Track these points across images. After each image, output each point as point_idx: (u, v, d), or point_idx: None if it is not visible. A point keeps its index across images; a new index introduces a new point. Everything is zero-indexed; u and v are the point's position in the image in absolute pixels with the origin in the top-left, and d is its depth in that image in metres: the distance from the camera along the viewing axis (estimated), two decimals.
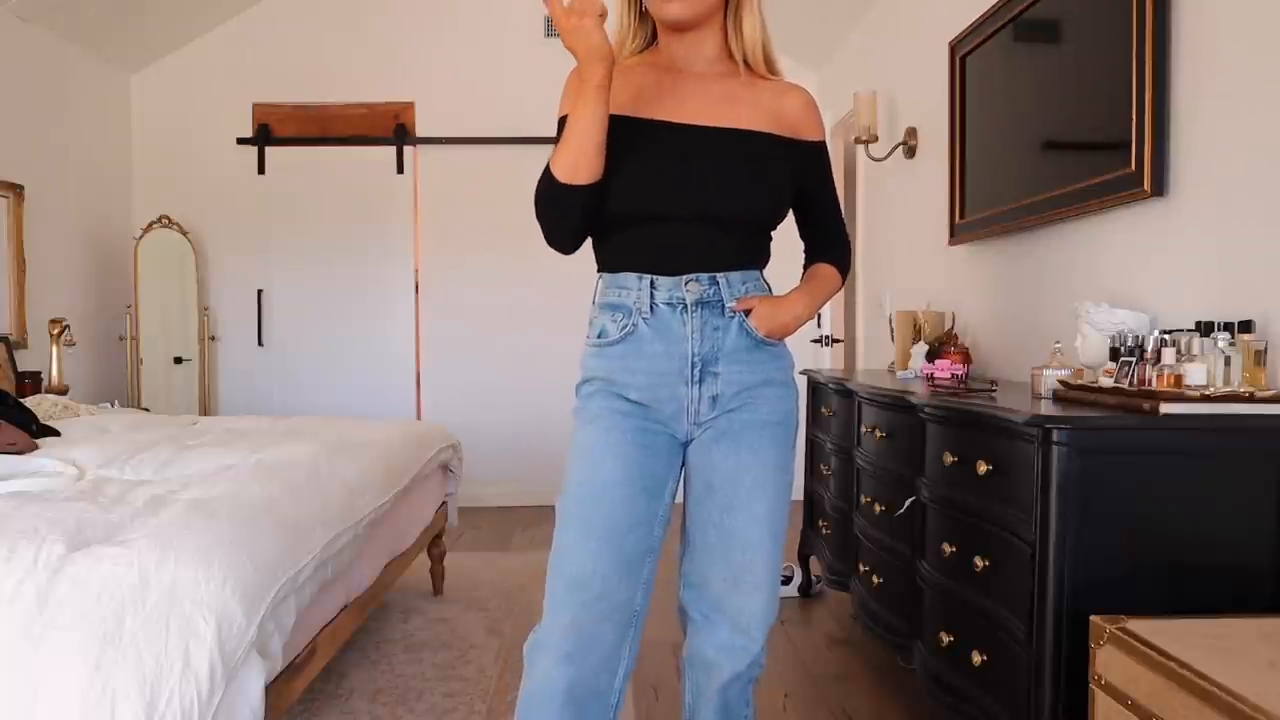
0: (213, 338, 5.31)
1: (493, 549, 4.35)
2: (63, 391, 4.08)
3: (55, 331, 4.15)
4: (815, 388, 3.38)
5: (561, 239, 1.54)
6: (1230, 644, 1.32)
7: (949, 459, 1.99)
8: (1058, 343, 2.20)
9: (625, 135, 1.49)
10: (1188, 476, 1.59)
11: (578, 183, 1.44)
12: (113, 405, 4.22)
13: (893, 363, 3.37)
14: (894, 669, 2.75)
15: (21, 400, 3.26)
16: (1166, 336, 1.77)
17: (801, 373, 3.53)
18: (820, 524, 3.29)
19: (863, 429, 2.67)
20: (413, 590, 3.56)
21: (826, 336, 4.80)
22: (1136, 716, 1.34)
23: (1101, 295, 2.31)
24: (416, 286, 5.40)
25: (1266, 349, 1.69)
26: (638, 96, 1.53)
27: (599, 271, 1.60)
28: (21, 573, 1.55)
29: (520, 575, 3.80)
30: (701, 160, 1.51)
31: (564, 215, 1.49)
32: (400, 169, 5.33)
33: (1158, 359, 1.74)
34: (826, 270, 1.68)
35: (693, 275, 1.52)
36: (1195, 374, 1.68)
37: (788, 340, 1.66)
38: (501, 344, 5.37)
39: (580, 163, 1.43)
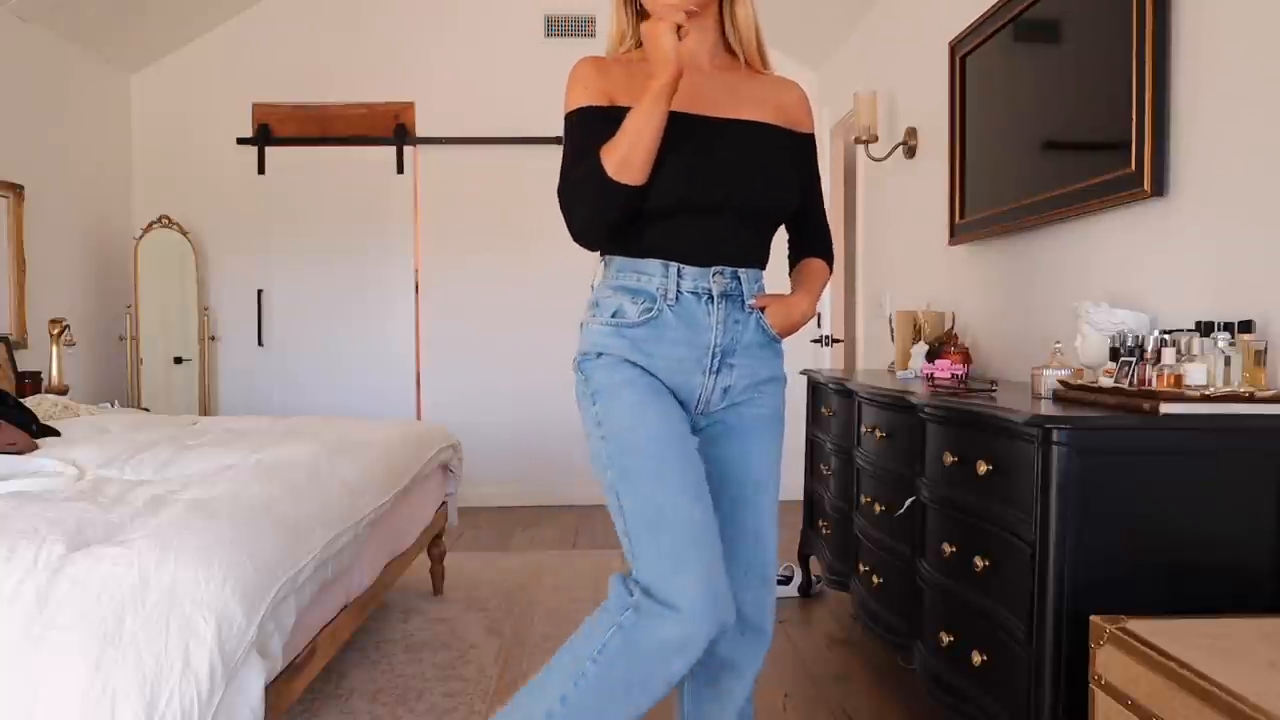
0: (213, 338, 5.31)
1: (493, 549, 4.35)
2: (63, 391, 4.08)
3: (55, 331, 4.15)
4: (815, 388, 3.38)
5: (595, 235, 1.52)
6: (1230, 644, 1.32)
7: (949, 459, 1.99)
8: (1058, 343, 2.20)
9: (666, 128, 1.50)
10: (1188, 476, 1.59)
11: (629, 181, 1.44)
12: (113, 405, 4.22)
13: (893, 363, 3.37)
14: (894, 669, 2.75)
15: (21, 400, 3.26)
16: (1166, 336, 1.77)
17: (801, 373, 3.54)
18: (820, 524, 3.29)
19: (863, 429, 2.67)
20: (413, 590, 3.56)
21: (826, 336, 4.80)
22: (1136, 716, 1.34)
23: (1101, 295, 2.31)
24: (416, 286, 5.40)
25: (1266, 349, 1.69)
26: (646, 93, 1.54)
27: (609, 255, 1.61)
28: (21, 573, 1.55)
29: (520, 575, 3.80)
30: (734, 153, 1.54)
31: (607, 211, 1.47)
32: (400, 169, 5.33)
33: (1158, 359, 1.74)
34: (818, 266, 1.73)
35: (719, 268, 1.55)
36: (1195, 374, 1.68)
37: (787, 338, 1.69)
38: (501, 344, 5.37)
39: (635, 160, 1.43)
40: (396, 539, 2.87)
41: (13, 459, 2.38)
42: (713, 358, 1.55)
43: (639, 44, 1.64)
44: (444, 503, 3.54)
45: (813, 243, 1.75)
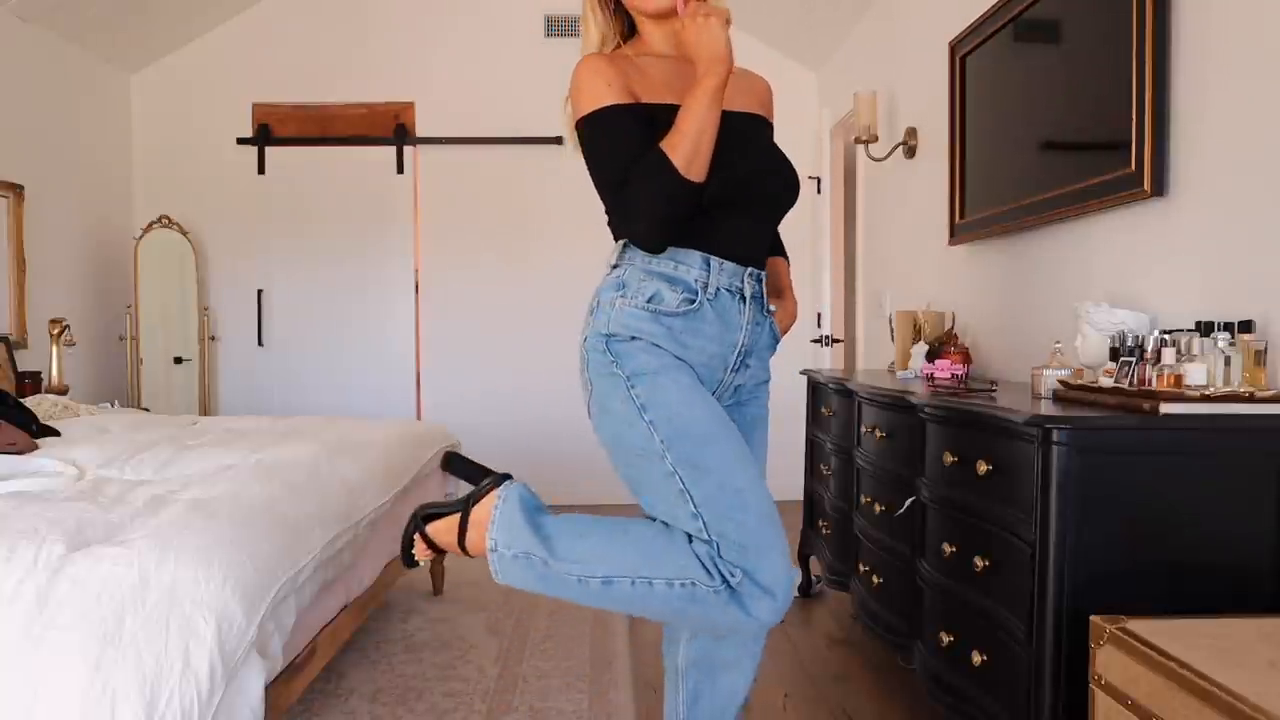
0: (213, 338, 5.31)
1: None
2: (63, 391, 4.08)
3: (55, 331, 4.15)
4: (815, 388, 3.38)
5: (669, 234, 1.49)
6: (1230, 644, 1.32)
7: (949, 459, 1.99)
8: (1058, 343, 2.20)
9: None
10: (1188, 476, 1.59)
11: (698, 179, 1.43)
12: (113, 405, 4.22)
13: (893, 363, 3.37)
14: (894, 669, 2.75)
15: (21, 400, 3.26)
16: (1166, 336, 1.77)
17: (801, 373, 3.54)
18: (820, 524, 3.29)
19: (863, 429, 2.67)
20: (413, 590, 3.57)
21: (826, 336, 4.80)
22: (1136, 716, 1.34)
23: (1101, 295, 2.31)
24: (416, 286, 5.39)
25: (1266, 349, 1.69)
26: (666, 83, 1.54)
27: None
28: (21, 573, 1.55)
29: None
30: (751, 145, 1.57)
31: (679, 209, 1.45)
32: (400, 169, 5.33)
33: (1158, 359, 1.74)
34: (784, 264, 1.77)
35: (751, 269, 1.57)
36: (1195, 374, 1.68)
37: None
38: (501, 344, 5.37)
39: (704, 157, 1.43)
40: (396, 539, 2.87)
41: (13, 459, 2.38)
42: (738, 356, 1.57)
43: (619, 44, 1.65)
44: None
45: (774, 241, 1.75)
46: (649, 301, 1.51)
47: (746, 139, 1.56)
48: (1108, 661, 1.42)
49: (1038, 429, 1.60)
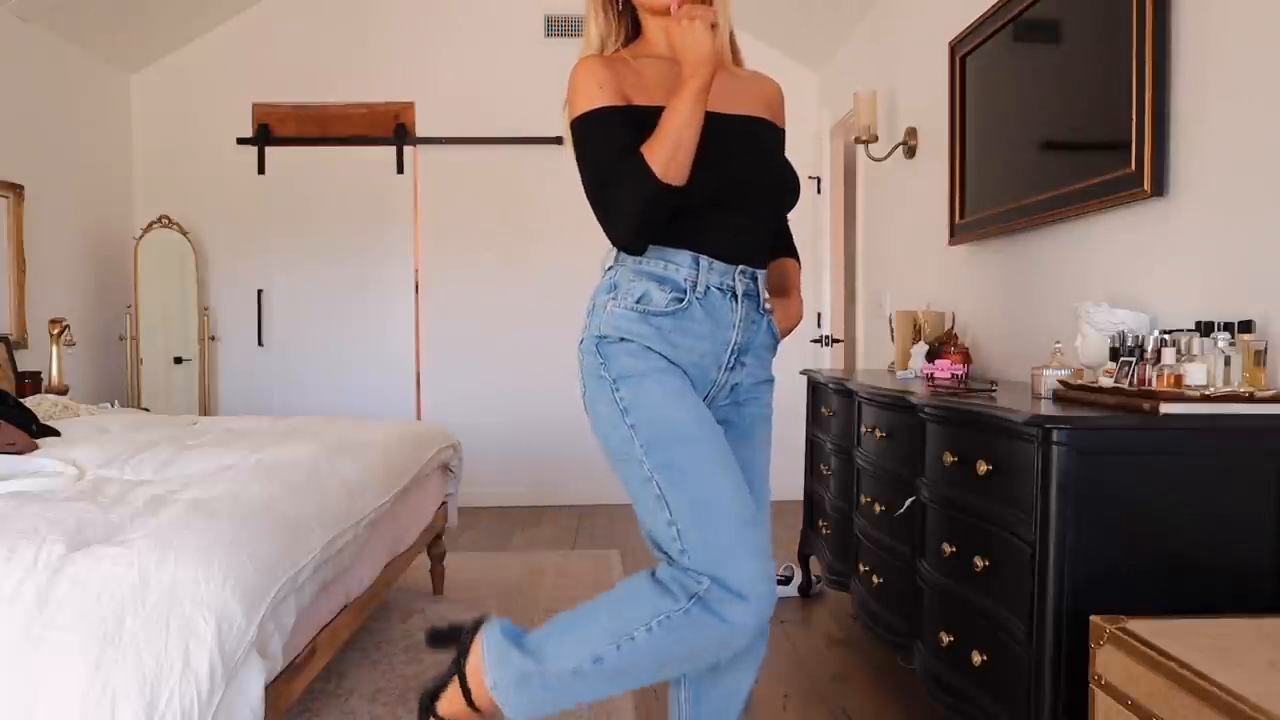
0: (213, 338, 5.31)
1: (493, 549, 4.35)
2: (63, 391, 4.08)
3: (55, 331, 4.15)
4: (815, 388, 3.38)
5: (646, 237, 1.50)
6: (1230, 644, 1.32)
7: (949, 459, 1.99)
8: (1058, 343, 2.20)
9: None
10: (1188, 476, 1.59)
11: (676, 182, 1.44)
12: (113, 405, 4.22)
13: (893, 363, 3.37)
14: (894, 669, 2.75)
15: (21, 400, 3.26)
16: (1166, 336, 1.77)
17: (801, 373, 3.54)
18: (820, 524, 3.29)
19: (863, 429, 2.67)
20: (413, 590, 3.56)
21: (826, 336, 4.80)
22: (1136, 716, 1.34)
23: (1101, 295, 2.31)
24: (416, 286, 5.40)
25: (1266, 349, 1.69)
26: (660, 85, 1.54)
27: None
28: (21, 573, 1.55)
29: (520, 575, 3.80)
30: (750, 148, 1.57)
31: (657, 213, 1.46)
32: (400, 169, 5.33)
33: (1158, 359, 1.74)
34: (794, 265, 1.77)
35: (743, 267, 1.57)
36: (1195, 374, 1.68)
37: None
38: (501, 344, 5.38)
39: (683, 160, 1.43)
40: (396, 539, 2.87)
41: (13, 459, 2.38)
42: (731, 355, 1.57)
43: (624, 44, 1.65)
44: (444, 503, 3.54)
45: (783, 242, 1.76)
46: (638, 302, 1.52)
47: (741, 140, 1.56)
48: (1108, 661, 1.42)
49: (1038, 429, 1.60)
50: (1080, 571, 1.57)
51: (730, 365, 1.58)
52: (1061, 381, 1.98)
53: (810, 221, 4.82)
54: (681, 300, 1.52)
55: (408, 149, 5.33)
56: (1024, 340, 2.76)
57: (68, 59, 4.70)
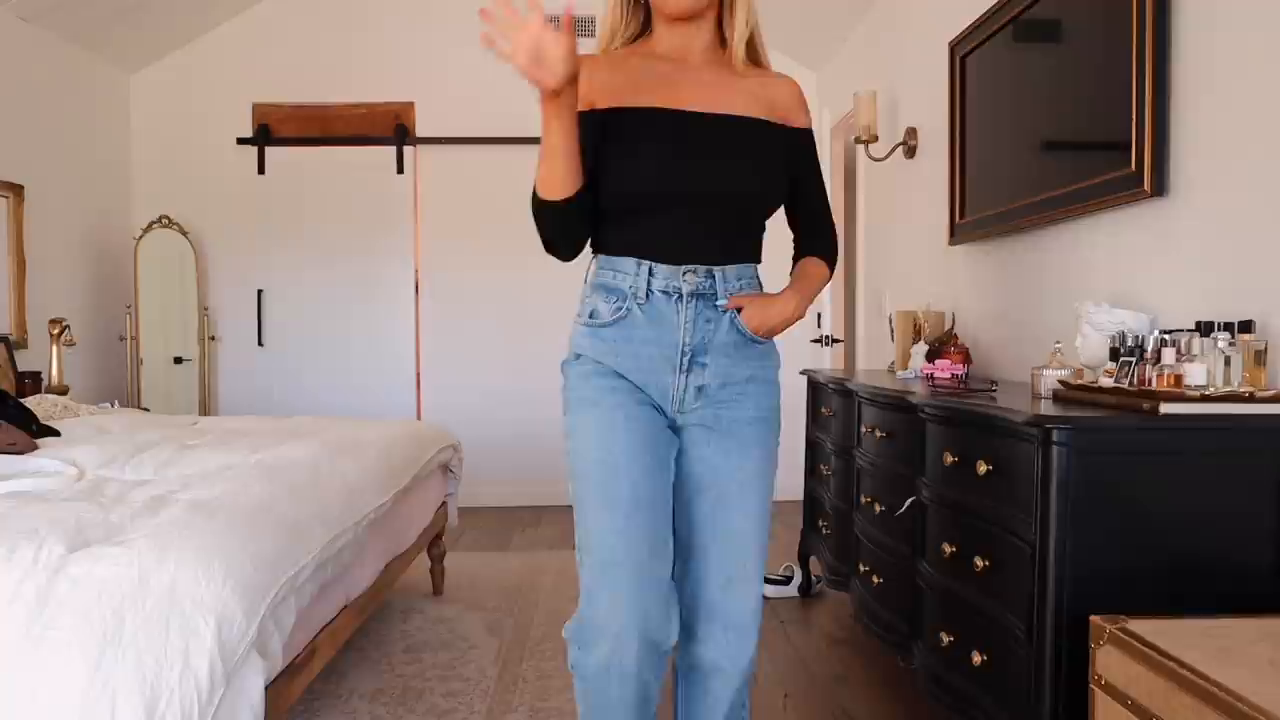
0: (213, 338, 5.31)
1: (493, 549, 4.35)
2: (63, 391, 4.08)
3: (55, 331, 4.15)
4: (815, 388, 3.38)
5: (557, 250, 1.55)
6: (1230, 644, 1.32)
7: (949, 459, 1.99)
8: (1058, 343, 2.20)
9: (628, 123, 1.51)
10: (1188, 476, 1.59)
11: (553, 197, 1.45)
12: (113, 405, 4.22)
13: (893, 363, 3.37)
14: (894, 669, 2.75)
15: (21, 400, 3.26)
16: (1166, 336, 1.77)
17: (801, 373, 3.54)
18: (820, 524, 3.29)
19: (863, 429, 2.67)
20: (413, 590, 3.56)
21: (826, 336, 4.80)
22: (1136, 716, 1.34)
23: (1102, 295, 2.31)
24: (416, 287, 5.40)
25: (1266, 349, 1.69)
26: (634, 85, 1.55)
27: (594, 252, 1.62)
28: (21, 573, 1.55)
29: (520, 575, 3.80)
30: (702, 146, 1.53)
31: (548, 227, 1.51)
32: (400, 169, 5.33)
33: (1158, 359, 1.74)
34: (815, 266, 1.69)
35: (691, 266, 1.54)
36: (1195, 374, 1.68)
37: (779, 338, 1.67)
38: (501, 344, 5.37)
39: (548, 177, 1.44)
40: (396, 539, 2.87)
41: (13, 459, 2.38)
42: (682, 357, 1.54)
43: (634, 38, 1.64)
44: (444, 503, 3.54)
45: (813, 241, 1.72)
46: (590, 317, 1.57)
47: (698, 140, 1.52)
48: (1108, 661, 1.42)
49: (1038, 429, 1.60)
50: (1080, 571, 1.57)
51: (685, 368, 1.55)
52: (1061, 381, 1.98)
53: None
54: (622, 309, 1.54)
55: (408, 149, 5.33)
56: (1024, 340, 2.76)
57: (68, 59, 4.70)
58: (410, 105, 5.34)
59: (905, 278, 3.91)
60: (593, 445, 1.52)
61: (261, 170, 5.30)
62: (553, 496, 5.33)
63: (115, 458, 2.49)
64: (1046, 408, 1.78)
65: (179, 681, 1.48)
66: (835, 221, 1.77)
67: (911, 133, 3.74)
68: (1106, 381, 1.83)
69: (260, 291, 5.34)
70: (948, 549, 1.98)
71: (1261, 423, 1.59)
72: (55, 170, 4.61)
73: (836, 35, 4.80)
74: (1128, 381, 1.78)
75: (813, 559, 3.50)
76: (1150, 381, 1.72)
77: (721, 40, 1.62)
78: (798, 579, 3.54)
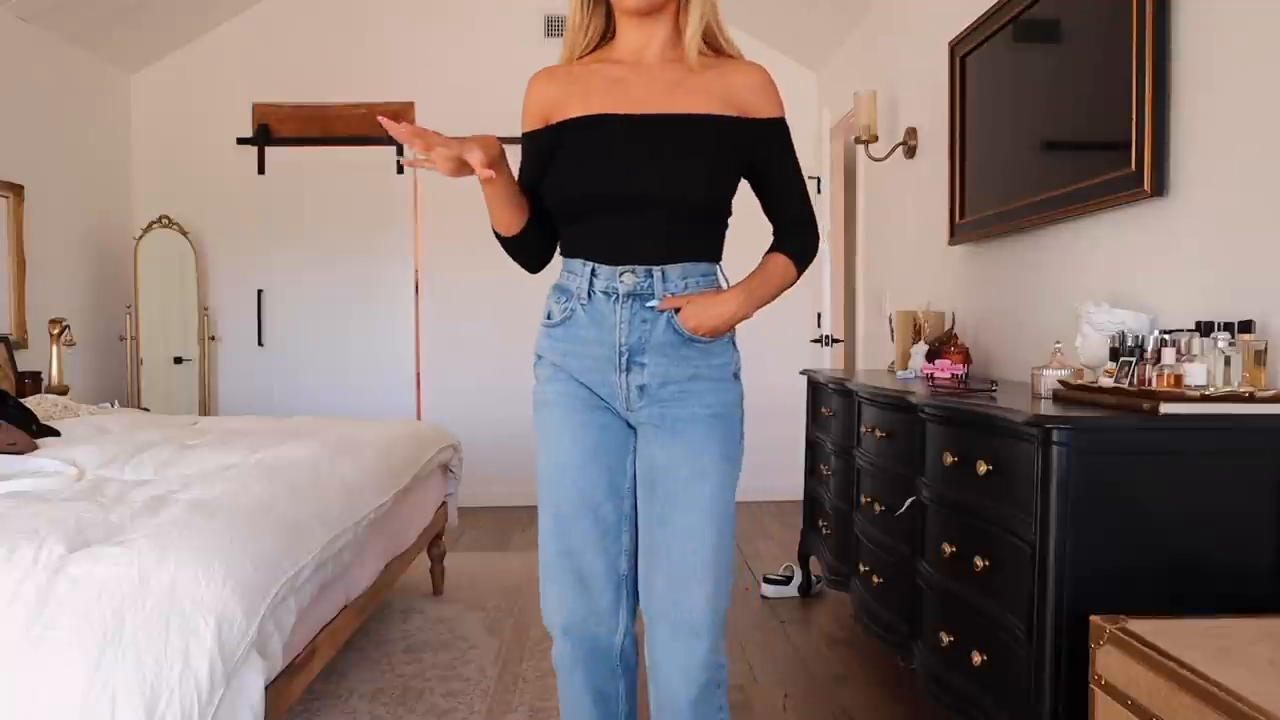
0: (213, 338, 5.31)
1: (493, 549, 4.35)
2: (63, 391, 4.08)
3: (55, 331, 4.15)
4: (815, 388, 3.38)
5: (524, 266, 1.76)
6: (1230, 644, 1.32)
7: (949, 459, 1.99)
8: (1058, 343, 2.20)
9: (571, 131, 1.55)
10: (1188, 476, 1.59)
11: (503, 232, 1.66)
12: (113, 405, 4.22)
13: (893, 363, 3.37)
14: (894, 669, 2.75)
15: (21, 400, 3.26)
16: (1166, 336, 1.77)
17: (801, 373, 3.54)
18: (820, 524, 3.29)
19: (863, 429, 2.67)
20: (413, 590, 3.56)
21: (826, 336, 4.80)
22: (1136, 716, 1.34)
23: (1102, 295, 2.31)
24: (416, 286, 5.40)
25: (1266, 349, 1.69)
26: (585, 92, 1.57)
27: (560, 254, 1.70)
28: (21, 573, 1.55)
29: (520, 575, 3.80)
30: (639, 147, 1.52)
31: (512, 252, 1.72)
32: (400, 169, 5.33)
33: (1158, 359, 1.74)
34: (777, 263, 1.62)
35: (629, 267, 1.55)
36: (1195, 374, 1.68)
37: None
38: (501, 344, 5.37)
39: (496, 219, 1.66)
40: (396, 539, 2.87)
41: (13, 459, 2.38)
42: (621, 356, 1.55)
43: (599, 39, 1.64)
44: (444, 503, 3.54)
45: (782, 239, 1.65)
46: (547, 319, 1.65)
47: (634, 141, 1.51)
48: (1108, 661, 1.42)
49: (1038, 429, 1.60)
50: (1080, 571, 1.57)
51: (624, 367, 1.55)
52: (1061, 381, 1.98)
53: None
54: (568, 309, 1.59)
55: (408, 149, 5.31)
56: (1024, 340, 2.76)
57: (68, 59, 4.70)
58: (410, 105, 5.34)
59: (905, 278, 3.91)
60: (542, 447, 1.62)
61: (261, 170, 5.30)
62: None
63: (115, 458, 2.49)
64: (1046, 408, 1.78)
65: (179, 681, 1.48)
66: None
67: (911, 133, 3.74)
68: (1106, 381, 1.83)
69: (260, 291, 5.34)
70: (948, 549, 1.98)
71: (1261, 423, 1.59)
72: (55, 170, 4.61)
73: (836, 36, 4.80)
74: (1128, 381, 1.78)
75: (813, 559, 3.50)
76: (1150, 381, 1.72)
77: (681, 35, 1.59)
78: (798, 579, 3.54)
